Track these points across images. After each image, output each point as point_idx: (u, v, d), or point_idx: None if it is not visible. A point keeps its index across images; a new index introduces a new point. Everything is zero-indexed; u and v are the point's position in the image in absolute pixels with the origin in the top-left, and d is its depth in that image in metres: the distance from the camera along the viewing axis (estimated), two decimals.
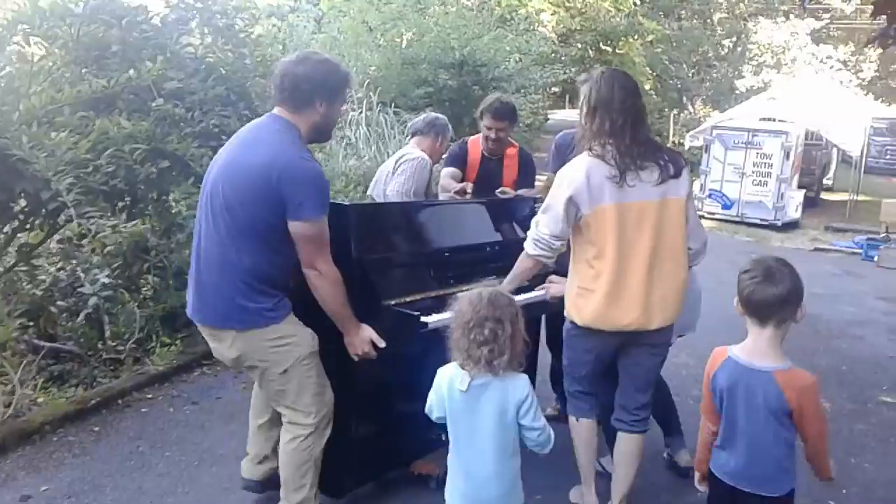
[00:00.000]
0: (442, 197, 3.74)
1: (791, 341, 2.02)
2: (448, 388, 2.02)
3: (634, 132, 2.44)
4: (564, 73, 12.54)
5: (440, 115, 3.99)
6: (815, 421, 1.91)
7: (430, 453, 2.96)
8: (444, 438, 2.11)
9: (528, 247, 2.57)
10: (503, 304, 1.99)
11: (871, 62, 27.32)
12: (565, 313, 2.63)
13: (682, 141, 15.15)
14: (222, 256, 2.30)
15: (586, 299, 2.49)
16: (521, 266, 2.62)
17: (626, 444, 2.68)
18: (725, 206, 11.58)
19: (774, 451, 1.93)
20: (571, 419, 2.74)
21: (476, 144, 3.85)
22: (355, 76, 9.62)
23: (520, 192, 3.72)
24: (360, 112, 8.91)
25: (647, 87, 15.72)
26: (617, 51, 15.74)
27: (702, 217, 2.88)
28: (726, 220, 11.45)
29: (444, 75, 10.21)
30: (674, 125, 16.39)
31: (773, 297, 1.88)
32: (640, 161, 2.41)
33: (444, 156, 3.93)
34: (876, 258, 9.12)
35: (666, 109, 17.83)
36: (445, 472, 2.11)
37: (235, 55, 4.42)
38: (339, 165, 7.95)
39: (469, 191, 3.62)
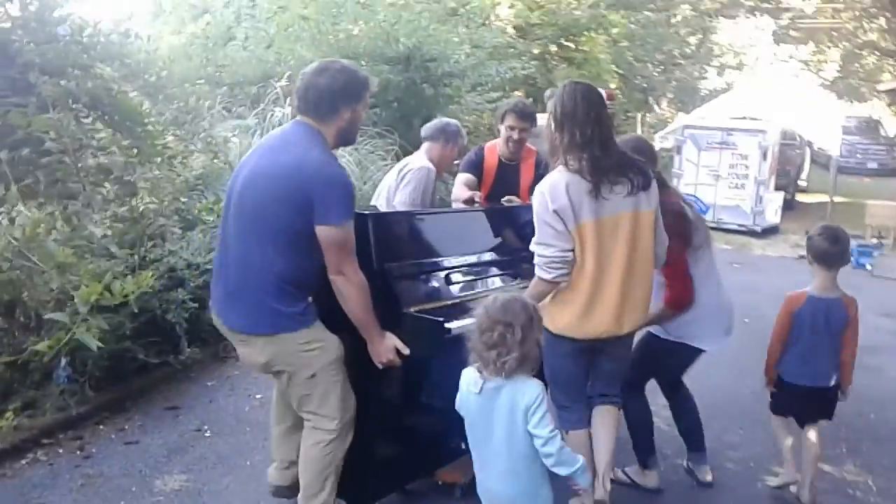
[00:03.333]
0: (454, 205, 3.76)
1: None
2: (466, 389, 2.12)
3: (603, 142, 2.48)
4: (524, 68, 11.55)
5: (452, 121, 3.91)
6: (855, 326, 2.97)
7: (455, 461, 2.88)
8: (464, 447, 2.21)
9: (543, 273, 2.49)
10: (516, 309, 2.04)
11: (832, 62, 27.22)
12: None
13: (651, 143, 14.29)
14: (255, 259, 2.32)
15: (561, 309, 2.54)
16: (537, 289, 2.53)
17: (605, 414, 2.75)
18: (701, 211, 10.65)
19: (832, 357, 2.97)
20: (561, 433, 2.66)
21: (493, 151, 3.85)
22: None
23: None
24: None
25: (612, 85, 14.85)
26: (580, 47, 14.83)
27: None
28: None
29: (389, 71, 9.08)
30: (641, 126, 15.63)
31: (838, 250, 2.91)
32: (612, 175, 2.46)
33: (456, 162, 3.89)
34: (868, 266, 8.29)
35: (632, 110, 17.06)
36: (471, 480, 2.21)
37: None
38: None
39: (477, 199, 3.57)
